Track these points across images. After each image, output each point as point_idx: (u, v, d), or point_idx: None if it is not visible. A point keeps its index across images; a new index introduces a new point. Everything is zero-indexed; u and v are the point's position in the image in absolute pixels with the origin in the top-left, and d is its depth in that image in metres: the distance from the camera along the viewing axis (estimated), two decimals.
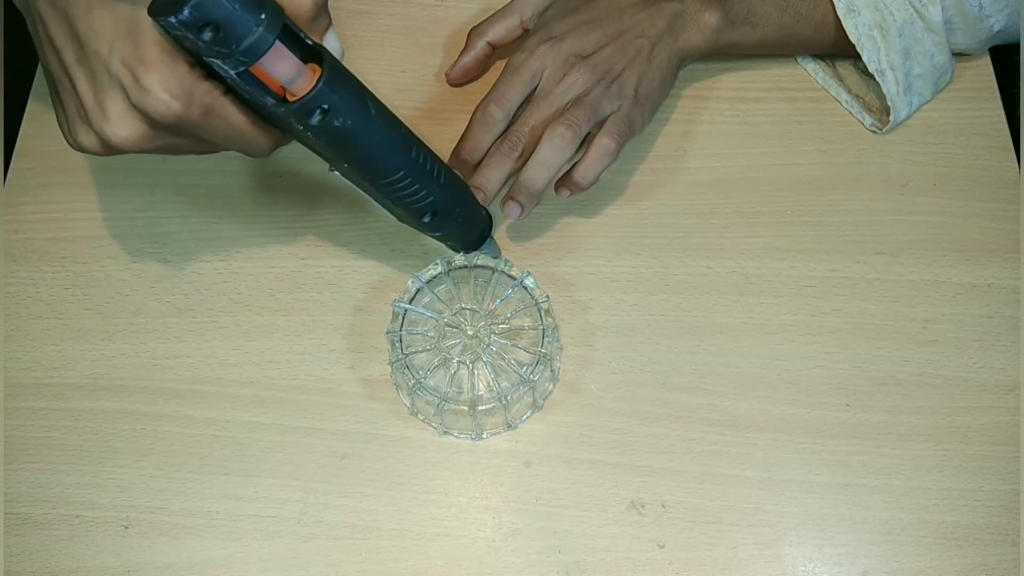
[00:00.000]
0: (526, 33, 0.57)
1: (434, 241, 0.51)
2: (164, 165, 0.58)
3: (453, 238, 0.48)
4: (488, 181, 0.53)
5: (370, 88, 0.41)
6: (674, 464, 0.50)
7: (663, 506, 0.49)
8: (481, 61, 0.59)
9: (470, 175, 0.53)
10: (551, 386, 0.52)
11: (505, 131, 0.53)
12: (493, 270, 0.52)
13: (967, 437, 0.50)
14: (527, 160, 0.52)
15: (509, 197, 0.53)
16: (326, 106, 0.38)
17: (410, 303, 0.50)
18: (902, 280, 0.54)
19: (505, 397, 0.48)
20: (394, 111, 0.43)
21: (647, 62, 0.53)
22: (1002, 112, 0.59)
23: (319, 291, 0.55)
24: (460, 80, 0.60)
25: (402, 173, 0.42)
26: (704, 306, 0.54)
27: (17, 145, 0.58)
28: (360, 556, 0.48)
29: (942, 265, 0.55)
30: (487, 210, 0.49)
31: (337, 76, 0.38)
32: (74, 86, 0.40)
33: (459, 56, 0.59)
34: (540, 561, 0.48)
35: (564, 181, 0.54)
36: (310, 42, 0.38)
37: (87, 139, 0.41)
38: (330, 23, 0.42)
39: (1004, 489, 0.49)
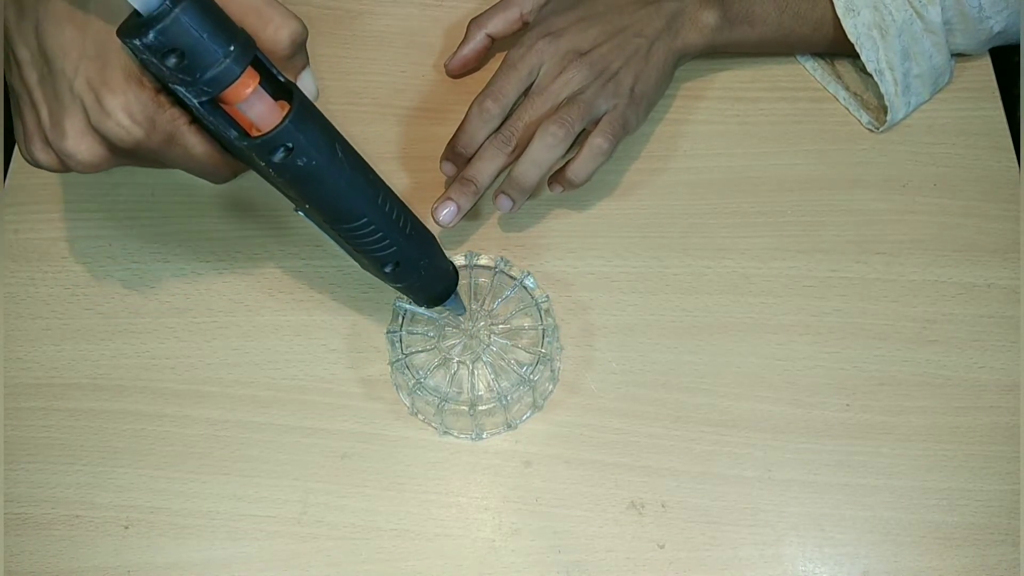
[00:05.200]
0: (525, 26, 0.57)
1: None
2: None
3: (415, 291, 0.47)
4: (480, 174, 0.53)
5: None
6: (674, 464, 0.50)
7: (663, 506, 0.49)
8: (480, 53, 0.59)
9: (464, 167, 0.53)
10: (551, 386, 0.52)
11: (500, 125, 0.53)
12: (493, 270, 0.52)
13: (967, 437, 0.50)
14: (520, 155, 0.52)
15: (500, 191, 0.53)
16: (290, 144, 0.36)
17: (410, 303, 0.50)
18: (902, 280, 0.54)
19: (505, 397, 0.48)
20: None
21: (644, 61, 0.53)
22: (1002, 112, 0.59)
23: (319, 291, 0.55)
24: (459, 71, 0.60)
25: (365, 220, 0.41)
26: (704, 306, 0.54)
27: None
28: (360, 556, 0.48)
29: (942, 265, 0.55)
30: (454, 265, 0.48)
31: (305, 115, 0.37)
32: (34, 102, 0.39)
33: (458, 47, 0.59)
34: (540, 561, 0.48)
35: (557, 177, 0.54)
36: (282, 79, 0.37)
37: (44, 156, 0.40)
38: (307, 63, 0.41)
39: (1004, 489, 0.49)
